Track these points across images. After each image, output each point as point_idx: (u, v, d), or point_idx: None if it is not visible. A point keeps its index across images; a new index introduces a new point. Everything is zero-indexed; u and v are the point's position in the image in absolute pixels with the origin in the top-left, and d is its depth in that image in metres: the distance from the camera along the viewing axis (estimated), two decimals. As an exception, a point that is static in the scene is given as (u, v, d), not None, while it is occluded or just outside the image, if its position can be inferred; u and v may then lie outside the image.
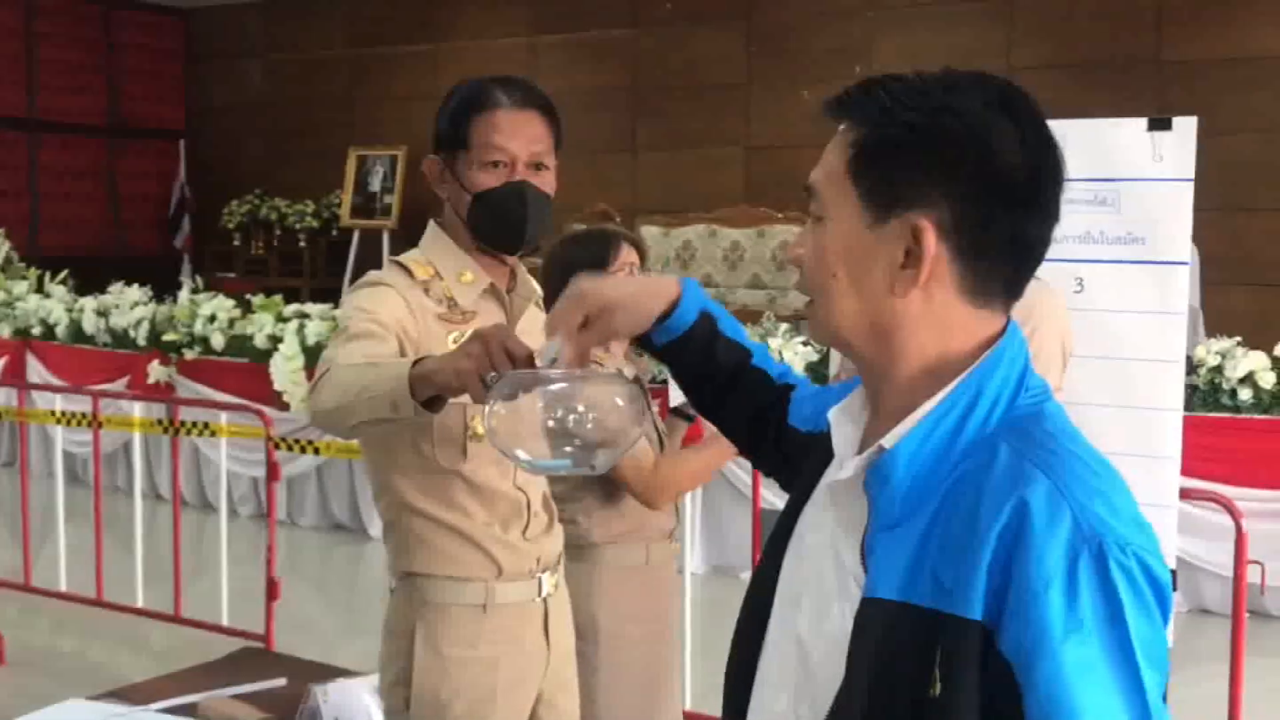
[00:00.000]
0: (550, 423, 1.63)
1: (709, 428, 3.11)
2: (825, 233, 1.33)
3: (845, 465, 1.35)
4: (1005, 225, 1.28)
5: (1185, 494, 3.67)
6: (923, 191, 1.26)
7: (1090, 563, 1.17)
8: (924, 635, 1.21)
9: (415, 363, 1.98)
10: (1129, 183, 3.42)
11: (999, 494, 1.22)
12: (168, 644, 5.41)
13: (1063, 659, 1.16)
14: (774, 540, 1.46)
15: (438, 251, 2.45)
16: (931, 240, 1.26)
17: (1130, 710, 1.17)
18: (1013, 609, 1.18)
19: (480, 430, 2.34)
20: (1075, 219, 3.45)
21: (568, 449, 1.64)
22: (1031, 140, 1.29)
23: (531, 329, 2.51)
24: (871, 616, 1.26)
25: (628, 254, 3.10)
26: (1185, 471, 3.56)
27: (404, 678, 2.43)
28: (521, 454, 1.66)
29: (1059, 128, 3.75)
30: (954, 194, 1.26)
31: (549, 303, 3.24)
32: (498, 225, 2.39)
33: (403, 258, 2.44)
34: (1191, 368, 5.92)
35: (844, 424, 1.39)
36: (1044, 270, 3.35)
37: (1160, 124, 3.38)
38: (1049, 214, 1.31)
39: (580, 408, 1.63)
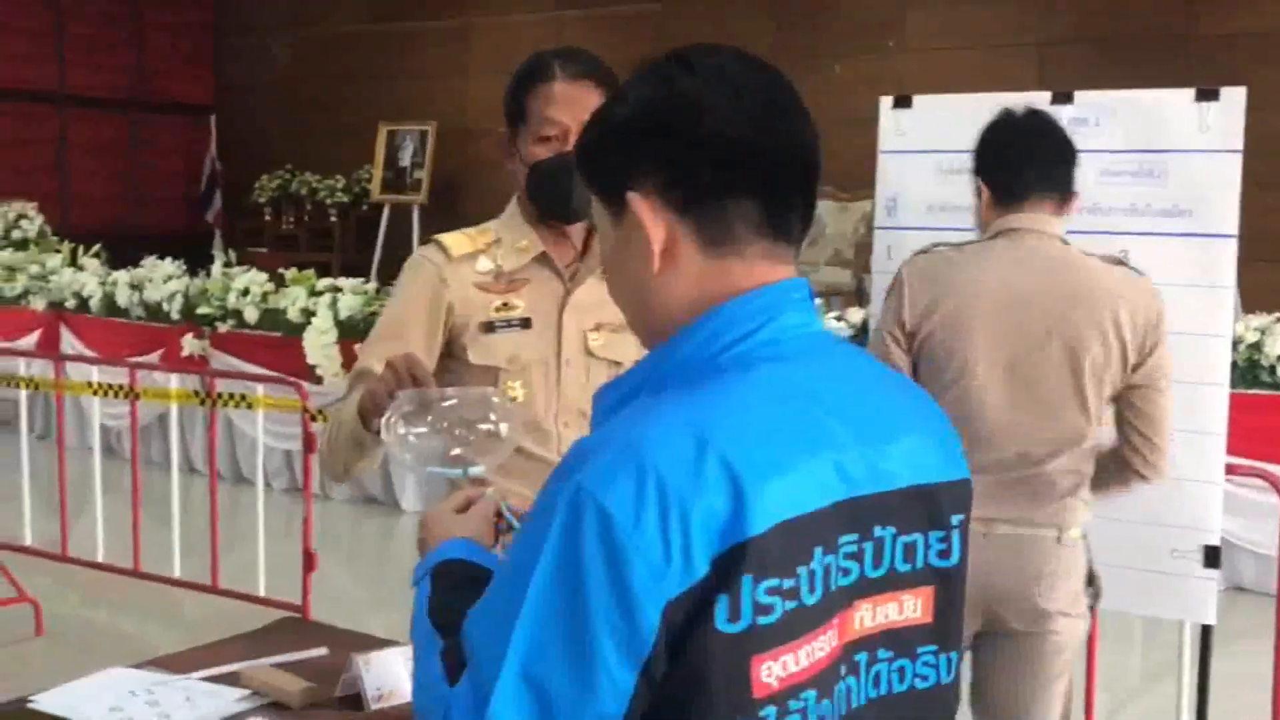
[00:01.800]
0: (438, 434, 1.91)
1: None
2: (604, 254, 1.43)
3: None
4: (707, 168, 1.32)
5: (1231, 470, 3.64)
6: (628, 175, 1.34)
7: (566, 503, 1.20)
8: None
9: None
10: (1175, 154, 3.38)
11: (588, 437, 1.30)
12: (201, 615, 5.44)
13: (508, 554, 1.29)
14: None
15: (505, 220, 2.52)
16: (643, 205, 1.33)
17: (502, 611, 1.22)
18: None
19: (513, 394, 2.42)
20: (1120, 191, 3.42)
21: (452, 456, 1.91)
22: (704, 89, 1.33)
23: (591, 298, 2.49)
24: None
25: None
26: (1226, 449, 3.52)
27: None
28: (411, 459, 1.93)
29: (1106, 99, 3.72)
30: (654, 162, 1.33)
31: None
32: (548, 197, 2.43)
33: (447, 235, 2.50)
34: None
35: None
36: (1089, 242, 3.34)
37: (1208, 94, 3.34)
38: (752, 149, 1.33)
39: (462, 423, 1.91)
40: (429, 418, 1.91)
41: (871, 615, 1.29)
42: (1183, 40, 9.32)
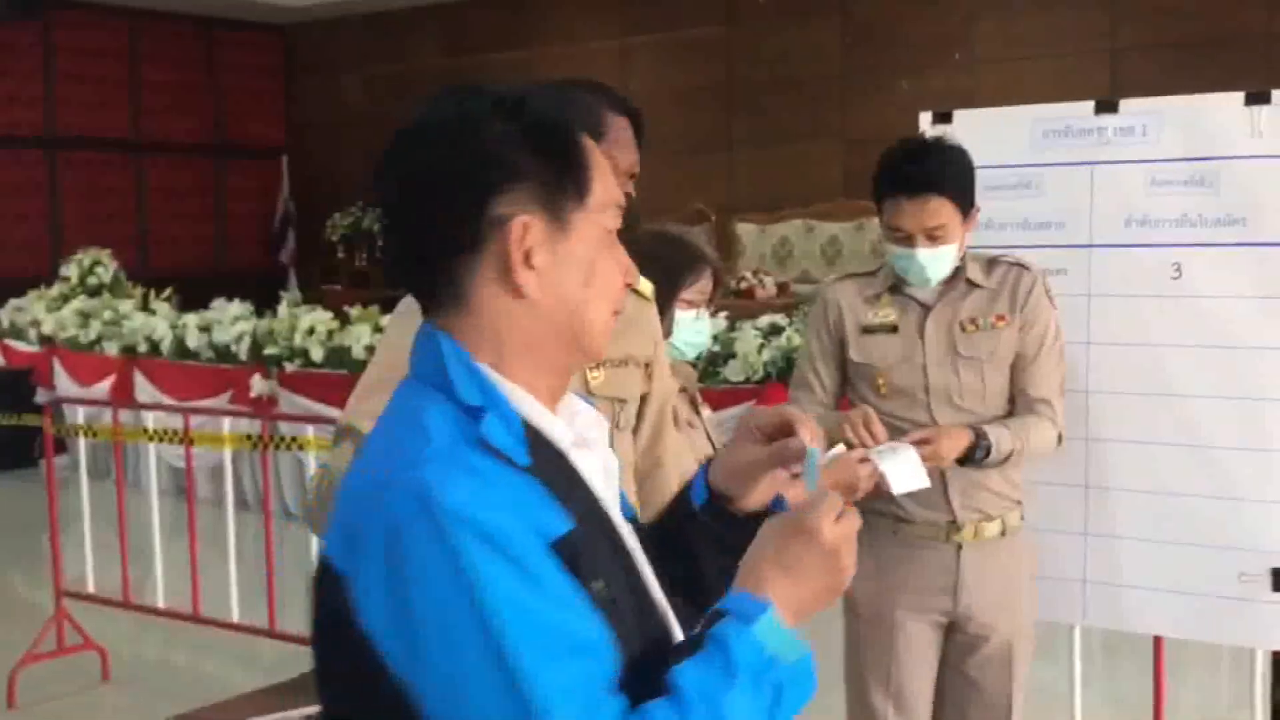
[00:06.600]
0: None
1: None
2: None
3: None
4: None
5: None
6: None
7: None
8: None
9: None
10: (1227, 161, 3.23)
11: None
12: (277, 656, 5.40)
13: None
14: None
15: None
16: None
17: None
18: None
19: None
20: (1171, 201, 3.27)
21: None
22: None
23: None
24: None
25: (705, 283, 2.90)
26: None
27: None
28: None
29: (1152, 106, 3.55)
30: None
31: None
32: None
33: None
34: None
35: None
36: (1141, 256, 3.20)
37: (1259, 98, 3.19)
38: None
39: None
40: None
41: None
42: (1258, 42, 9.06)
